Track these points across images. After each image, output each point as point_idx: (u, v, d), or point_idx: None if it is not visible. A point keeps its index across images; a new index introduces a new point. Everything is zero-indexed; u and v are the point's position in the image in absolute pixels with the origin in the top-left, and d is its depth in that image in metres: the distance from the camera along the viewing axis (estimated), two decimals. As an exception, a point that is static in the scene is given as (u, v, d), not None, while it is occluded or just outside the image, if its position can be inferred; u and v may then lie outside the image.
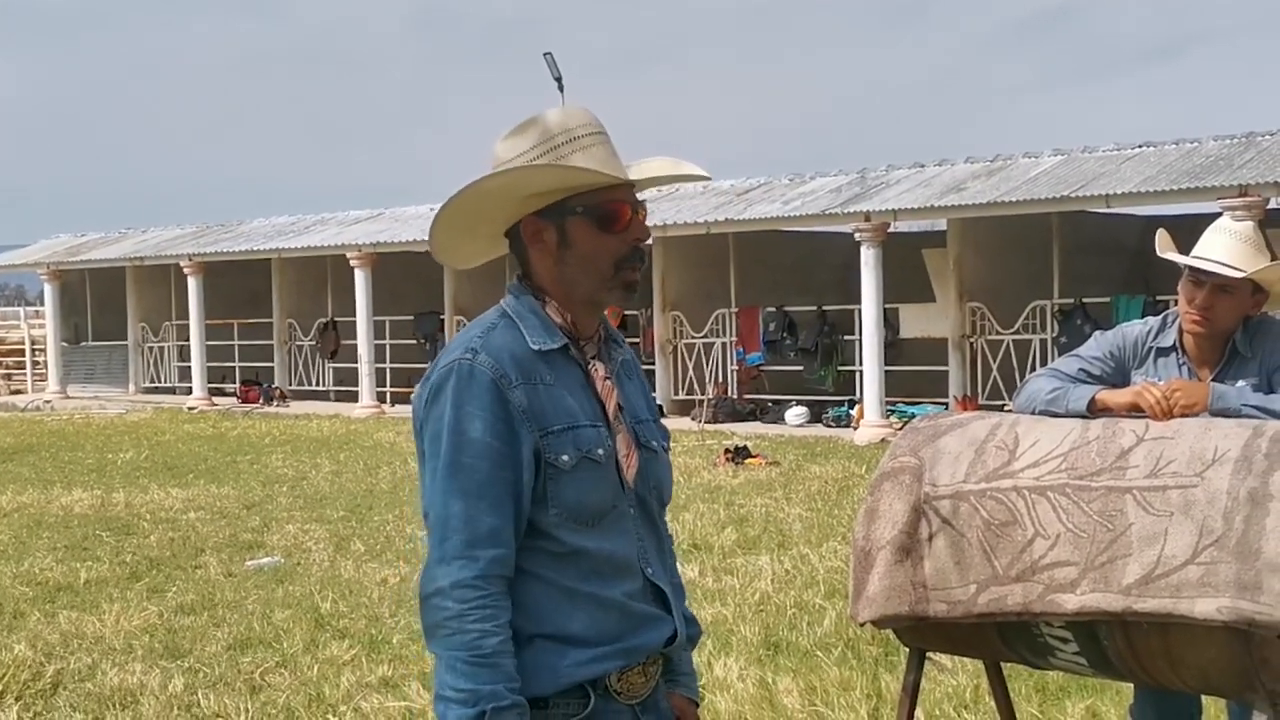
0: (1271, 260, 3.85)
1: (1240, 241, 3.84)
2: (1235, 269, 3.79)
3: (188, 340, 26.89)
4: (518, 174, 2.48)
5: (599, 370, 2.57)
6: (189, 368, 26.94)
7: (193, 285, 26.24)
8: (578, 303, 2.54)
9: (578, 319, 2.55)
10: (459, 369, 2.45)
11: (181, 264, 26.48)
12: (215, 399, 26.25)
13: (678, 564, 2.74)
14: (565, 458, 2.44)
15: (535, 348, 2.48)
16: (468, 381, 2.43)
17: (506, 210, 2.54)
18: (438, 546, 2.39)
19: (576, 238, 2.51)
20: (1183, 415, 3.50)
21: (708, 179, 2.72)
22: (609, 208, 2.51)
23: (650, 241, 2.84)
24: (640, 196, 2.59)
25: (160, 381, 29.26)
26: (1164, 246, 4.11)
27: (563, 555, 2.45)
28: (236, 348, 27.80)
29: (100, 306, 30.73)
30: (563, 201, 2.50)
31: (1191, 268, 3.86)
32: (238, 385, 27.19)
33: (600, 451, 2.48)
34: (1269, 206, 15.88)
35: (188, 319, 26.70)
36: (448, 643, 2.36)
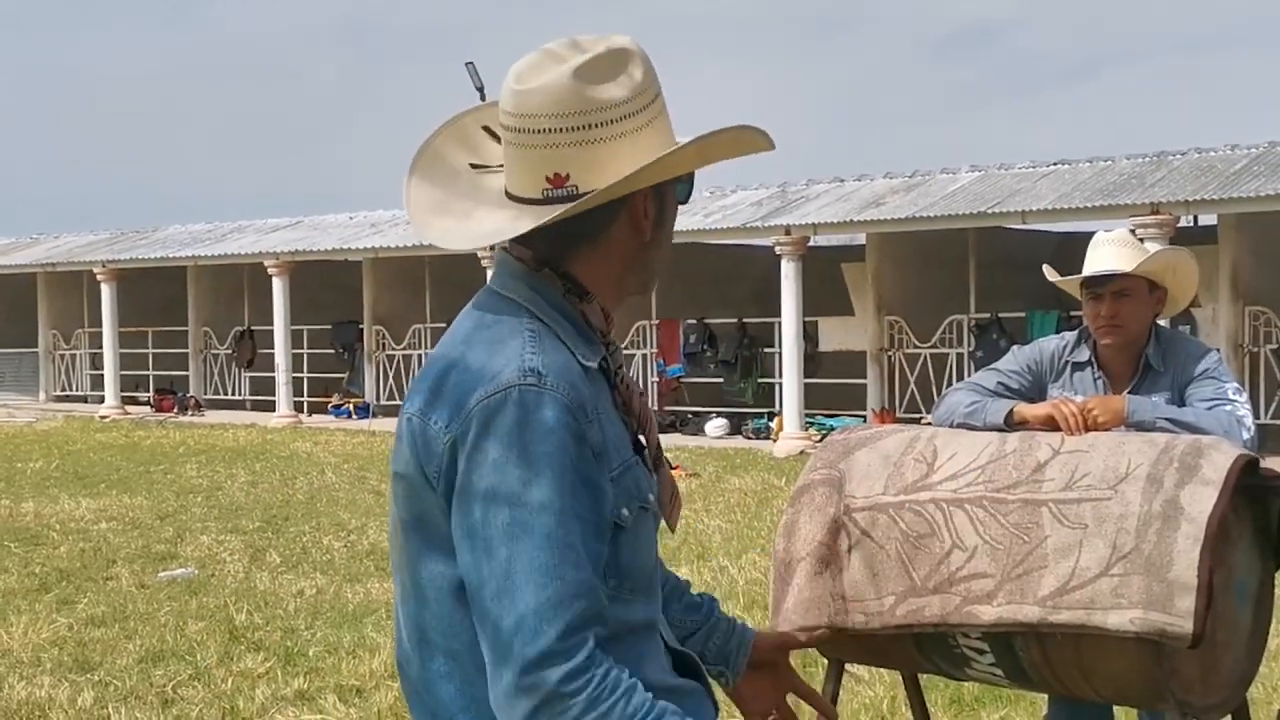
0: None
1: (1120, 246, 4.02)
2: (1124, 270, 3.92)
3: (100, 348, 26.49)
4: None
5: (629, 384, 2.00)
6: (101, 376, 26.53)
7: (106, 292, 25.85)
8: (622, 296, 2.01)
9: (610, 320, 2.00)
10: (522, 399, 1.79)
11: (95, 270, 26.10)
12: (129, 408, 25.87)
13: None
14: (625, 511, 1.88)
15: (584, 364, 1.90)
16: (536, 416, 1.78)
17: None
18: (532, 638, 1.76)
19: (669, 212, 2.00)
20: (1100, 430, 3.55)
21: (772, 149, 2.05)
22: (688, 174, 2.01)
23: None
24: None
25: (72, 390, 28.81)
26: (1053, 275, 4.25)
27: (608, 640, 1.84)
28: (151, 356, 27.43)
29: (10, 313, 30.18)
30: None
31: (1088, 281, 3.97)
32: (152, 394, 26.84)
33: (651, 497, 1.96)
34: (1179, 225, 16.21)
35: (100, 326, 26.32)
36: None
